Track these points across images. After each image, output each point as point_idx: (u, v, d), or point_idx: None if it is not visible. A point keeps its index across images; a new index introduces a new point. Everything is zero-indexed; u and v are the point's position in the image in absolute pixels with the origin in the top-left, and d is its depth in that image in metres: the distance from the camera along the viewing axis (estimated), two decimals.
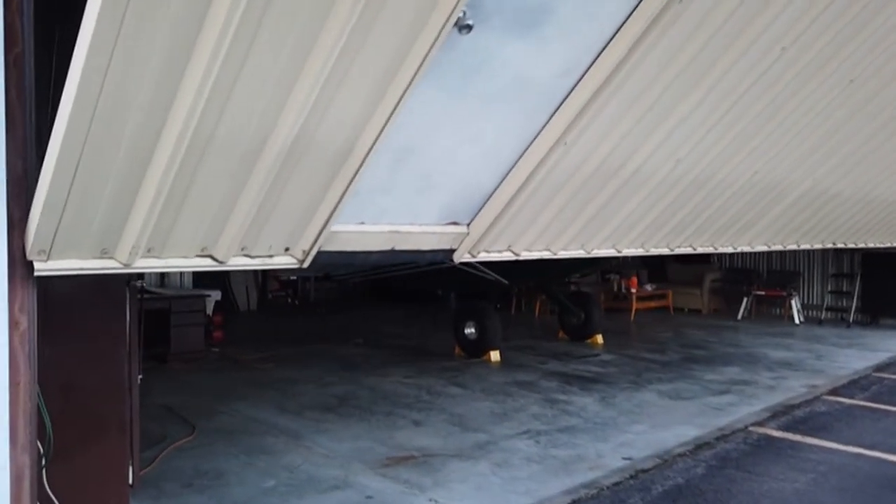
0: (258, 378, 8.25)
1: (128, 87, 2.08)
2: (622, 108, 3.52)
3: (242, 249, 2.96)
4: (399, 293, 16.56)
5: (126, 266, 2.66)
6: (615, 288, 14.13)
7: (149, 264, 2.77)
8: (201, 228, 2.74)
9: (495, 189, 3.64)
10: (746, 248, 6.51)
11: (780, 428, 6.33)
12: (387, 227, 3.46)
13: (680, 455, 5.51)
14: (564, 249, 4.53)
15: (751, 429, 6.27)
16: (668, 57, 3.45)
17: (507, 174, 3.57)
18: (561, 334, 11.39)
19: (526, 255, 4.32)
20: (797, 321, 13.34)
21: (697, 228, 5.40)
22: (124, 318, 4.23)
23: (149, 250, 2.70)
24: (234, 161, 2.55)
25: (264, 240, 2.97)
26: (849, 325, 13.05)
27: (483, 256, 4.07)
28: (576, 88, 3.24)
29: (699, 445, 5.77)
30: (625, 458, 5.42)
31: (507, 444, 5.75)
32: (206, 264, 2.91)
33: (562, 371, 8.70)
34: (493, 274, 9.80)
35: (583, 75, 3.21)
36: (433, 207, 3.59)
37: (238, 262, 3.00)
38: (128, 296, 4.25)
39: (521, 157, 3.49)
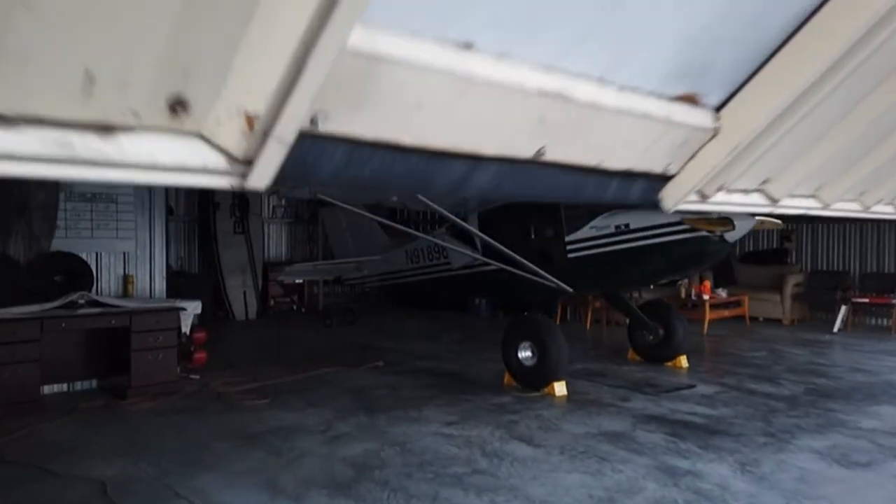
0: (245, 424, 5.98)
1: None
2: None
3: None
4: (422, 300, 14.30)
5: None
6: (683, 294, 11.77)
7: None
8: None
9: (808, 19, 1.37)
10: None
11: None
12: (536, 77, 1.17)
13: None
14: (841, 200, 2.28)
15: None
16: None
17: None
18: (631, 354, 9.07)
19: (786, 207, 2.05)
20: None
21: None
22: None
23: None
24: None
25: (56, 59, 0.69)
26: None
27: (718, 200, 1.79)
28: None
29: None
30: None
31: None
32: None
33: (658, 414, 6.37)
34: (553, 279, 7.51)
35: None
36: (652, 48, 1.30)
37: None
38: None
39: None
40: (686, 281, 11.81)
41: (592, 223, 7.47)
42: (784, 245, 13.67)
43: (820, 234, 13.21)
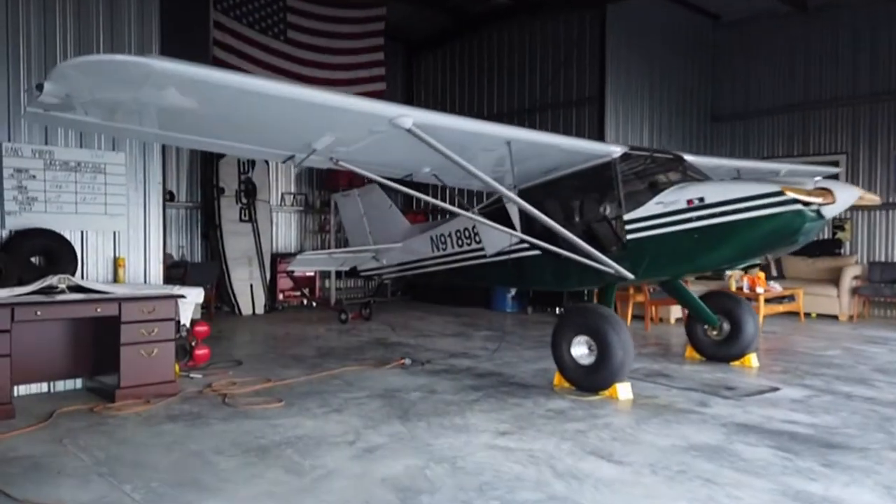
0: (256, 433, 4.93)
1: None
2: None
3: None
4: (444, 293, 13.24)
5: None
6: (734, 287, 10.67)
7: None
8: None
9: None
10: None
11: None
12: None
13: None
14: None
15: None
16: None
17: None
18: (689, 352, 8.01)
19: None
20: None
21: None
22: None
23: None
24: None
25: None
26: None
27: None
28: None
29: None
30: None
31: None
32: None
33: (750, 422, 5.30)
34: (613, 265, 6.45)
35: None
36: None
37: None
38: None
39: None
40: (738, 273, 10.72)
41: (658, 198, 6.39)
42: (836, 235, 12.58)
43: (877, 223, 12.11)
